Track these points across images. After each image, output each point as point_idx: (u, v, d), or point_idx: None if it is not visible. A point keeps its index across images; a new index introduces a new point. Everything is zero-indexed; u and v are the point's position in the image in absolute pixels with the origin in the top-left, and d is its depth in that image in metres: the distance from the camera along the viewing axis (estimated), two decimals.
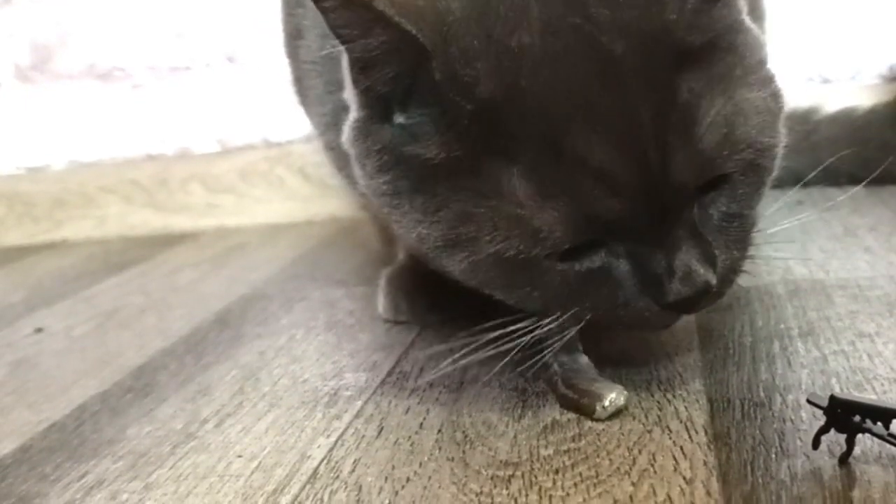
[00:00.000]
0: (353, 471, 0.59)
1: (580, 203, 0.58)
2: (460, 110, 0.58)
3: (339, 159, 0.77)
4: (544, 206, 0.58)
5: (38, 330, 1.03)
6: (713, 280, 0.60)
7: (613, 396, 0.61)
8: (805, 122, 1.23)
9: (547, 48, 0.58)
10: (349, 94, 0.66)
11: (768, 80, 0.67)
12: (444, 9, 0.58)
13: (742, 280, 0.86)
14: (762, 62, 0.67)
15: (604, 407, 0.61)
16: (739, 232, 0.64)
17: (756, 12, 1.00)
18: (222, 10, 1.49)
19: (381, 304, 0.88)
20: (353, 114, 0.65)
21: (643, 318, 0.62)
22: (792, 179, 1.23)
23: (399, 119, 0.62)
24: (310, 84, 0.84)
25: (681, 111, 0.58)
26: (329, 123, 0.79)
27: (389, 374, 0.74)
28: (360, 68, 0.62)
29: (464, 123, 0.59)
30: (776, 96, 0.68)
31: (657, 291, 0.60)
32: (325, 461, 0.61)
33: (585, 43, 0.58)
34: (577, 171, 0.58)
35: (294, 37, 0.86)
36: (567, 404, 0.64)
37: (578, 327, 0.63)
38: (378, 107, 0.63)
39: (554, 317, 0.63)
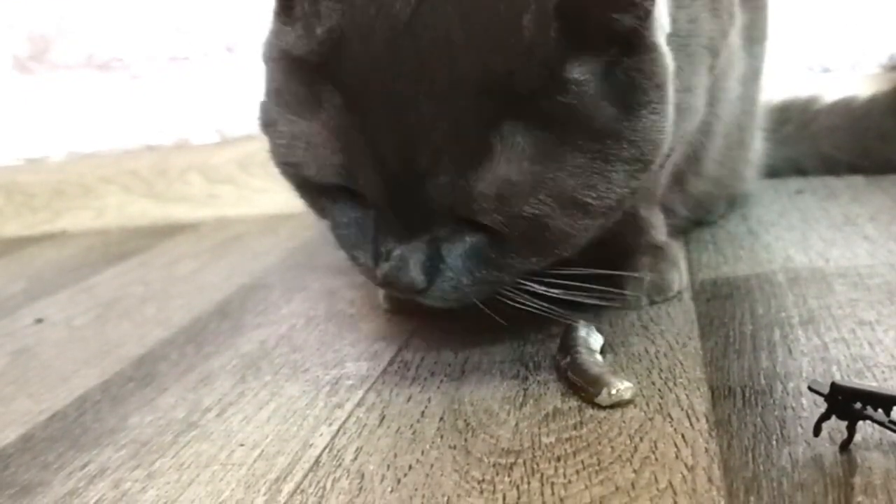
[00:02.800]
0: (355, 459, 0.59)
1: (352, 160, 0.63)
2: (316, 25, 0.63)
3: None
4: (330, 144, 0.63)
5: (39, 320, 1.03)
6: (419, 284, 0.65)
7: (622, 387, 0.61)
8: (805, 111, 1.24)
9: (393, 30, 0.60)
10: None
11: (627, 159, 0.64)
12: None
13: (742, 268, 0.88)
14: (623, 141, 0.63)
15: (609, 393, 0.61)
16: (485, 273, 0.66)
17: (755, 33, 1.00)
18: (221, 1, 1.48)
19: (381, 293, 0.88)
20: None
21: (371, 275, 0.68)
22: (791, 168, 1.24)
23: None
24: None
25: (475, 150, 0.61)
26: None
27: (391, 362, 0.75)
28: None
29: (319, 35, 0.63)
30: (616, 181, 0.64)
31: (374, 263, 0.66)
32: (327, 449, 0.61)
33: (431, 45, 0.60)
34: (363, 131, 0.62)
35: None
36: (573, 390, 0.64)
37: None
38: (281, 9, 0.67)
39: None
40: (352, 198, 0.66)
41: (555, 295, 0.68)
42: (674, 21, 0.72)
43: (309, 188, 0.69)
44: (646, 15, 0.62)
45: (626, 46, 0.62)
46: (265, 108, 0.69)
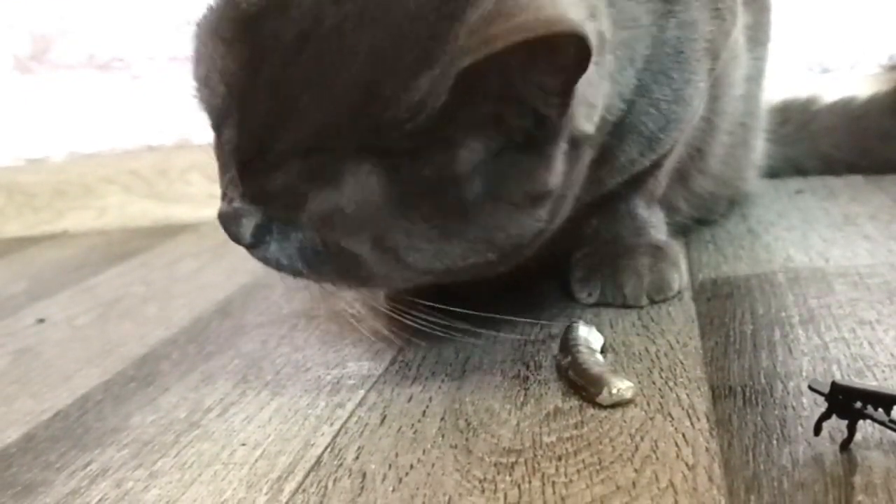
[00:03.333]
0: (356, 458, 0.59)
1: (228, 118, 0.65)
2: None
3: None
4: (223, 91, 0.66)
5: (40, 320, 1.03)
6: (245, 240, 0.65)
7: (623, 387, 0.61)
8: (804, 111, 1.24)
9: (310, 21, 0.61)
10: None
11: (471, 240, 0.63)
12: None
13: (742, 268, 0.88)
14: (474, 225, 0.63)
15: (610, 393, 0.61)
16: (308, 272, 0.67)
17: (759, 34, 1.00)
18: None
19: (383, 293, 0.88)
20: None
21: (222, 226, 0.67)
22: (791, 168, 1.24)
23: None
24: None
25: (326, 169, 0.61)
26: None
27: (392, 362, 0.75)
28: None
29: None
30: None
31: (222, 197, 0.66)
32: (328, 449, 0.61)
33: (336, 52, 0.60)
34: (245, 105, 0.63)
35: None
36: (574, 389, 0.64)
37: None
38: None
39: None
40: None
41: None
42: (659, 33, 0.72)
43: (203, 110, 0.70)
44: (560, 113, 0.60)
45: (528, 137, 0.61)
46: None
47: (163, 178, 1.54)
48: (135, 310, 1.03)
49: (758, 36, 1.00)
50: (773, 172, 1.19)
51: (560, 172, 0.63)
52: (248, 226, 0.65)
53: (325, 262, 0.65)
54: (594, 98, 0.65)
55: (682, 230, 0.99)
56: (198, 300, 1.02)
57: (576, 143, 0.64)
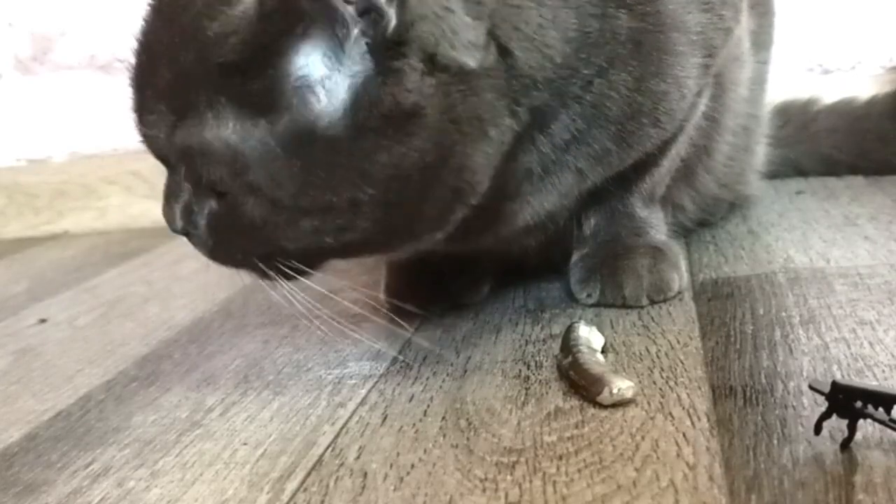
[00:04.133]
0: (358, 458, 0.59)
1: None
2: None
3: None
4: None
5: (42, 320, 1.03)
6: (176, 225, 0.68)
7: (623, 386, 0.61)
8: (804, 112, 1.24)
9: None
10: None
11: (346, 169, 0.62)
12: None
13: (743, 268, 0.88)
14: (341, 154, 0.62)
15: (611, 392, 0.61)
16: (225, 242, 0.68)
17: (762, 38, 1.00)
18: None
19: (383, 293, 0.88)
20: None
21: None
22: (792, 169, 1.25)
23: None
24: None
25: (185, 106, 0.63)
26: None
27: (393, 362, 0.75)
28: None
29: None
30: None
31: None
32: (330, 448, 0.61)
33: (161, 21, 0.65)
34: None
35: None
36: (574, 389, 0.64)
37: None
38: None
39: None
40: None
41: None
42: (600, 14, 0.71)
43: None
44: (399, 11, 0.60)
45: (380, 54, 0.60)
46: None
47: (164, 179, 1.54)
48: (136, 310, 1.04)
49: (761, 40, 1.00)
50: (774, 173, 1.19)
51: (418, 93, 0.61)
52: (176, 207, 0.68)
53: (225, 224, 0.66)
54: (457, 26, 0.63)
55: (685, 231, 0.99)
56: (199, 300, 1.02)
57: (449, 69, 0.62)
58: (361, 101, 0.61)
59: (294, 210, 0.63)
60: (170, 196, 0.68)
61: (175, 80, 0.63)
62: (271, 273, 0.68)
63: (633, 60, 0.73)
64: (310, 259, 0.68)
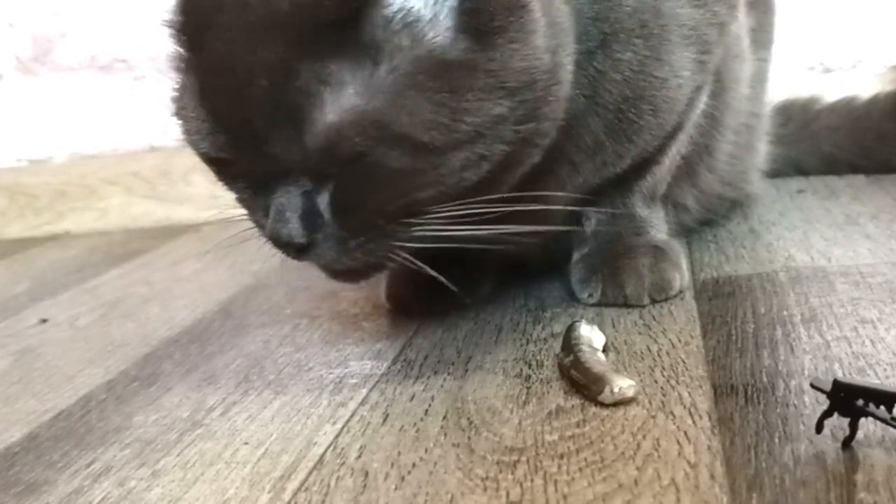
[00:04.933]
0: (359, 457, 0.59)
1: (210, 128, 0.64)
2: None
3: None
4: (198, 115, 0.64)
5: (43, 320, 1.03)
6: (298, 238, 0.63)
7: (624, 385, 0.61)
8: (806, 111, 1.24)
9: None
10: None
11: (483, 88, 0.62)
12: None
13: (744, 267, 0.88)
14: (477, 71, 0.62)
15: (612, 391, 0.61)
16: (354, 221, 0.64)
17: (763, 37, 1.00)
18: None
19: (384, 293, 0.88)
20: None
21: (278, 244, 0.66)
22: (793, 168, 1.25)
23: None
24: None
25: (295, 98, 0.60)
26: None
27: (394, 361, 0.75)
28: None
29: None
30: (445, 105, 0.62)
31: (262, 224, 0.67)
32: (331, 448, 0.61)
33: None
34: (211, 102, 0.63)
35: None
36: (575, 388, 0.64)
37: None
38: None
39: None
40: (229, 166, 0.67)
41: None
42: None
43: (207, 163, 0.69)
44: None
45: None
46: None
47: (164, 180, 1.54)
48: (137, 310, 1.04)
49: (761, 38, 1.00)
50: (775, 172, 1.19)
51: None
52: (293, 218, 0.63)
53: (355, 201, 0.63)
54: None
55: (688, 231, 0.99)
56: (200, 300, 1.02)
57: None
58: (470, 13, 0.61)
59: (443, 148, 0.62)
60: (279, 214, 0.63)
61: (273, 82, 0.60)
62: (404, 251, 0.66)
63: (637, 40, 0.73)
64: (439, 215, 0.65)
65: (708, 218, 1.03)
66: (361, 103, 0.60)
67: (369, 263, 0.67)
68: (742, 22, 0.88)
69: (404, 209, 0.64)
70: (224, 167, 0.67)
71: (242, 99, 0.61)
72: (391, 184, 0.63)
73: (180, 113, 0.67)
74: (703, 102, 0.84)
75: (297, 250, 0.65)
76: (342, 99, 0.60)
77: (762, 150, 1.11)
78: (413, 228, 0.65)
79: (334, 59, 0.60)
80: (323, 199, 0.63)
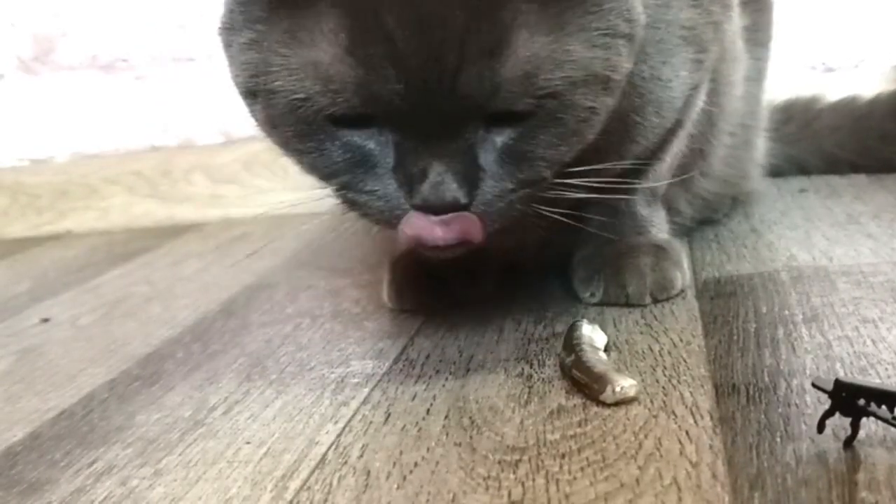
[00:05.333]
0: (361, 456, 0.59)
1: (371, 74, 0.59)
2: None
3: None
4: (344, 63, 0.60)
5: (45, 320, 1.03)
6: (463, 199, 0.62)
7: (626, 385, 0.61)
8: (807, 110, 1.24)
9: None
10: None
11: (623, 35, 0.64)
12: None
13: (746, 266, 0.88)
14: (613, 14, 0.64)
15: (614, 391, 0.61)
16: (525, 171, 0.64)
17: (759, 35, 1.00)
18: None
19: (386, 292, 0.88)
20: None
21: (392, 212, 0.64)
22: (794, 167, 1.25)
23: None
24: None
25: (495, 30, 0.59)
26: None
27: (396, 361, 0.75)
28: None
29: None
30: (617, 58, 0.64)
31: (407, 189, 0.62)
32: (333, 447, 0.61)
33: None
34: (379, 43, 0.59)
35: None
36: (577, 387, 0.64)
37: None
38: None
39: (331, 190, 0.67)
40: (360, 128, 0.63)
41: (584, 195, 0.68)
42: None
43: (304, 125, 0.64)
44: None
45: None
46: (245, 51, 0.64)
47: (166, 179, 1.55)
48: (139, 309, 1.04)
49: (757, 37, 1.00)
50: (777, 171, 1.19)
51: None
52: (456, 178, 0.61)
53: (538, 141, 0.63)
54: None
55: (686, 231, 0.99)
56: (202, 300, 1.02)
57: None
58: None
59: (608, 88, 0.64)
60: (439, 177, 0.61)
61: (475, 14, 0.58)
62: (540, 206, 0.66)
63: (649, 48, 0.73)
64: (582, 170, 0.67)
65: (705, 217, 1.03)
66: (550, 38, 0.60)
67: (511, 219, 0.65)
68: (736, 23, 0.88)
69: (576, 158, 0.65)
70: (358, 125, 0.63)
71: (433, 34, 0.58)
72: (575, 128, 0.63)
73: (287, 68, 0.62)
74: (701, 100, 0.84)
75: (455, 209, 0.62)
76: (538, 35, 0.60)
77: (761, 147, 1.11)
78: (566, 181, 0.65)
79: None
80: (487, 150, 0.63)
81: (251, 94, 0.66)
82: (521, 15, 0.60)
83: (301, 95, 0.62)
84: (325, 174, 0.66)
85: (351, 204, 0.66)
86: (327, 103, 0.61)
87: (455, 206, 0.62)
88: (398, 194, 0.63)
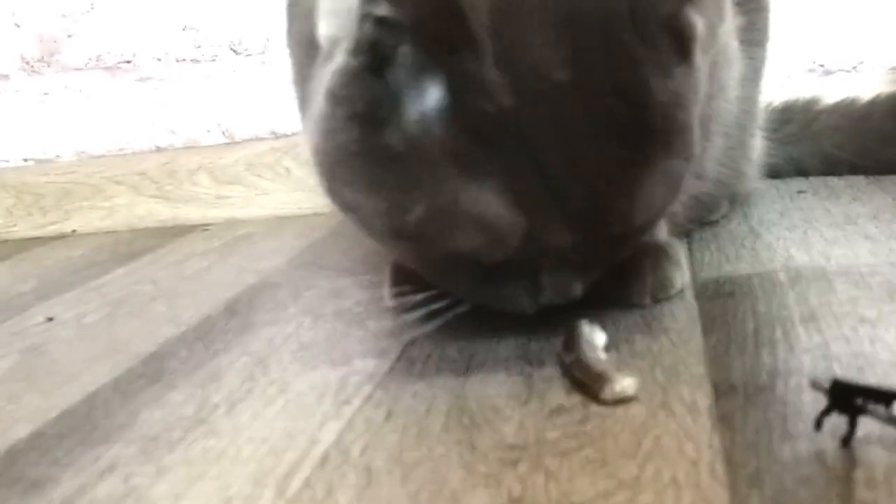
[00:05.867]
0: (362, 454, 0.60)
1: (540, 227, 0.65)
2: (477, 108, 0.61)
3: None
4: (514, 219, 0.64)
5: (49, 319, 1.04)
6: (578, 292, 0.71)
7: (625, 384, 0.61)
8: (806, 111, 1.24)
9: (552, 85, 0.62)
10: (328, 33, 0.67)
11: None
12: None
13: (744, 267, 0.88)
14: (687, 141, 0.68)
15: (613, 390, 0.61)
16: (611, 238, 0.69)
17: (755, 35, 1.00)
18: (229, 3, 1.49)
19: (388, 292, 0.89)
20: (341, 58, 0.64)
21: (515, 305, 0.72)
22: (793, 168, 1.25)
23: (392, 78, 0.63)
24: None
25: (627, 185, 0.65)
26: None
27: (397, 360, 0.75)
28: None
29: (473, 121, 0.61)
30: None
31: (536, 294, 0.71)
32: (334, 445, 0.61)
33: (579, 92, 0.62)
34: (553, 200, 0.64)
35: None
36: (577, 386, 0.64)
37: None
38: (374, 58, 0.63)
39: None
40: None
41: None
42: None
43: (444, 262, 0.70)
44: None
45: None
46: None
47: (171, 179, 1.55)
48: (143, 308, 1.04)
49: (752, 37, 1.00)
50: (775, 173, 1.19)
51: None
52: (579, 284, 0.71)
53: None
54: None
55: (683, 232, 0.99)
56: (205, 299, 1.03)
57: None
58: None
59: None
60: (566, 287, 0.72)
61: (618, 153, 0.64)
62: None
63: None
64: None
65: (702, 219, 1.03)
66: (653, 187, 0.66)
67: None
68: (730, 24, 0.88)
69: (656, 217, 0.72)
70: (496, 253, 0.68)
71: (597, 183, 0.64)
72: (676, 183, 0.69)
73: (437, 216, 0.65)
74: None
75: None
76: (651, 186, 0.66)
77: (757, 147, 1.11)
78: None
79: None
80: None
81: (405, 235, 0.68)
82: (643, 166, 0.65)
83: (464, 245, 0.66)
84: (457, 288, 0.73)
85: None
86: (497, 254, 0.67)
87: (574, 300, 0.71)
88: (522, 297, 0.72)
